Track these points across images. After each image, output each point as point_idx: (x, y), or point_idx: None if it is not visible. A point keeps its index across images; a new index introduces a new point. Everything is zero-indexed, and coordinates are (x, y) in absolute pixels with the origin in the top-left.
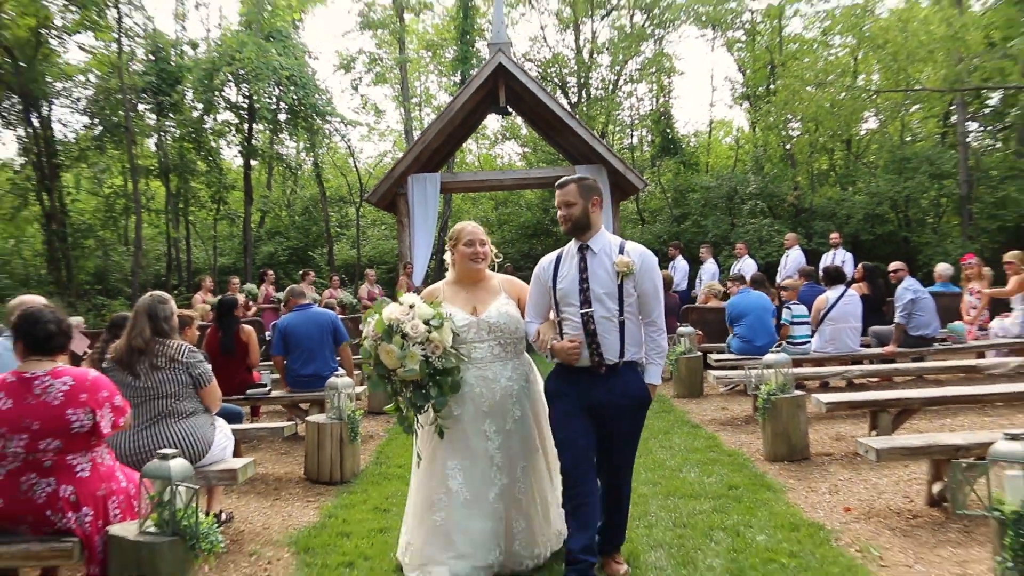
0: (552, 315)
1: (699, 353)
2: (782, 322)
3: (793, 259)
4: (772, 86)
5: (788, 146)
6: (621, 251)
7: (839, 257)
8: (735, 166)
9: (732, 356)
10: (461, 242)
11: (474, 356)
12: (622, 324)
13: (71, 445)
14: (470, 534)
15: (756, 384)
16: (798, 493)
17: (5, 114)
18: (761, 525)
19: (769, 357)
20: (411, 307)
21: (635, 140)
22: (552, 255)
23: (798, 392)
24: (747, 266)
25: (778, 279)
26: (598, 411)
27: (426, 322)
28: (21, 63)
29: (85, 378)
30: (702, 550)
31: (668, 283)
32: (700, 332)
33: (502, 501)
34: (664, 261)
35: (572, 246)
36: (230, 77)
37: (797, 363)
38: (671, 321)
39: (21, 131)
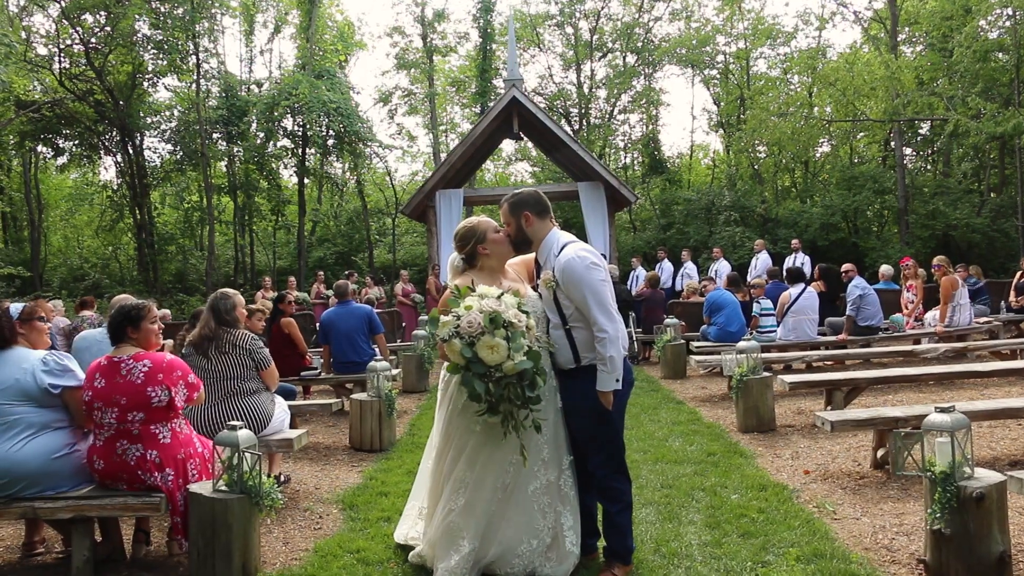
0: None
1: (682, 340)
2: (752, 314)
3: (761, 261)
4: (742, 116)
5: (756, 166)
6: (554, 264)
7: (799, 259)
8: (712, 183)
9: (710, 343)
10: (491, 231)
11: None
12: (569, 332)
13: (153, 417)
14: (511, 524)
15: (731, 367)
16: (765, 459)
17: (107, 143)
18: (735, 486)
19: (741, 344)
20: (499, 297)
21: (628, 160)
22: None
23: (766, 373)
24: (722, 267)
25: (748, 278)
26: (565, 411)
27: (520, 310)
28: (120, 102)
29: (162, 361)
30: (685, 507)
31: (655, 282)
32: (683, 323)
33: (547, 495)
34: (652, 263)
35: None
36: (287, 110)
37: (765, 349)
38: (658, 313)
39: (119, 157)
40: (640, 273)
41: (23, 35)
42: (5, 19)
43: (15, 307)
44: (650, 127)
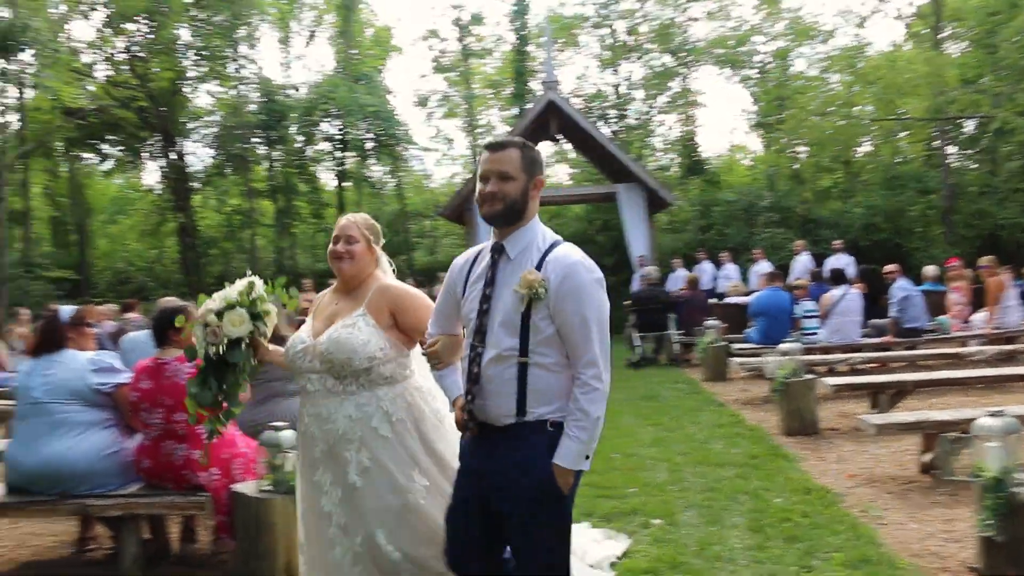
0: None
1: (724, 342)
2: (794, 316)
3: (802, 262)
4: (782, 116)
5: (796, 167)
6: (541, 262)
7: (842, 261)
8: (752, 183)
9: (753, 345)
10: (345, 239)
11: (308, 389)
12: (523, 368)
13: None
14: None
15: (773, 369)
16: (809, 462)
17: (150, 149)
18: (778, 489)
19: (784, 346)
20: (223, 287)
21: (666, 161)
22: (470, 252)
23: (809, 376)
24: (763, 268)
25: (789, 279)
26: (485, 487)
27: (230, 305)
28: (163, 108)
29: None
30: (728, 510)
31: (695, 283)
32: (726, 324)
33: (359, 565)
34: (692, 263)
35: (489, 242)
36: (326, 114)
37: (807, 351)
38: (698, 315)
39: (162, 162)
40: (680, 274)
41: (67, 43)
42: (50, 27)
43: (65, 311)
44: (688, 128)
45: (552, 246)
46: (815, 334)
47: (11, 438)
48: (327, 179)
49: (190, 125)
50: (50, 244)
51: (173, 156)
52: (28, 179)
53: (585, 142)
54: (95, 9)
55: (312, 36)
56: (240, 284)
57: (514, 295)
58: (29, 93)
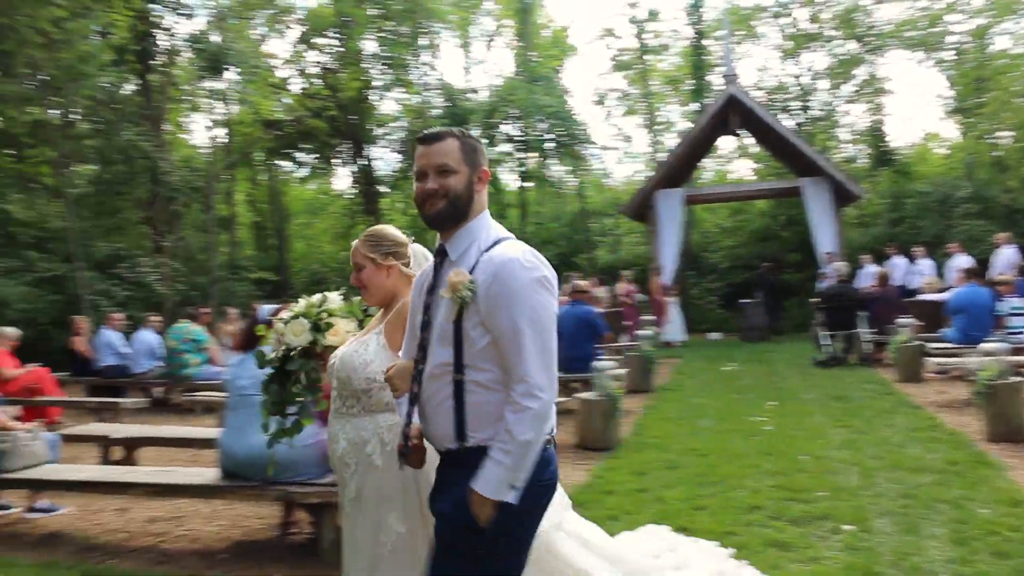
0: None
1: (918, 342)
2: (997, 314)
3: (1004, 256)
4: (982, 99)
5: (998, 153)
6: (477, 262)
7: None
8: (947, 173)
9: (951, 344)
10: (358, 260)
11: (332, 406)
12: (458, 386)
13: None
14: None
15: (975, 371)
16: (1018, 472)
17: (341, 156)
18: (983, 499)
19: (988, 346)
20: (297, 301)
21: (853, 153)
22: (430, 263)
23: (1016, 378)
24: (960, 263)
25: (990, 274)
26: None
27: (295, 316)
28: (352, 116)
29: None
30: (926, 519)
31: (885, 279)
32: (922, 323)
33: None
34: (882, 259)
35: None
36: (507, 115)
37: (1015, 351)
38: (891, 312)
39: (352, 167)
40: (869, 270)
41: (266, 61)
42: (251, 47)
43: (265, 310)
44: (876, 117)
45: (495, 243)
46: (1022, 333)
47: (223, 427)
48: (509, 180)
49: (377, 131)
50: (252, 247)
51: (362, 161)
52: (233, 188)
53: (767, 136)
54: (290, 27)
55: (491, 40)
56: (316, 297)
57: (443, 301)
58: (234, 109)
